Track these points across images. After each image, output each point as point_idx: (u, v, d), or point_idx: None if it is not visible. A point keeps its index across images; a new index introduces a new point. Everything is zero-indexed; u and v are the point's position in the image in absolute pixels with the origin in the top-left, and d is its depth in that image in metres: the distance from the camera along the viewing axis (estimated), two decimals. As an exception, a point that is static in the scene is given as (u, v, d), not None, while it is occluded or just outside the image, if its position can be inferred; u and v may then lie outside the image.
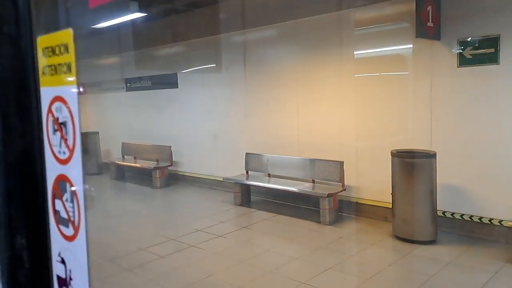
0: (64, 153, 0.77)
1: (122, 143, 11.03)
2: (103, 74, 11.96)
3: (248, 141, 8.24)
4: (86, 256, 0.63)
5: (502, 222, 5.26)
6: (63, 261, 0.73)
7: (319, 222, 6.38)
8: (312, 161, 7.07)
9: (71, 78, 0.72)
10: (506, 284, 4.36)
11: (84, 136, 11.66)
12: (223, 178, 8.05)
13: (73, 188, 0.69)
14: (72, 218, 0.71)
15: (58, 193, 0.75)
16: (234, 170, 8.13)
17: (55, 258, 0.75)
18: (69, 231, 0.72)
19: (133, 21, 7.96)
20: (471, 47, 5.41)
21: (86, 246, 0.64)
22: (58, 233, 0.73)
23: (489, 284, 4.25)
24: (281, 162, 7.61)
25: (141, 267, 5.02)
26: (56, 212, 0.76)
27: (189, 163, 9.61)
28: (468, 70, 5.47)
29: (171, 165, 9.59)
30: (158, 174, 9.40)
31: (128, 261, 5.22)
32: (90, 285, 0.62)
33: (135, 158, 10.65)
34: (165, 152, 9.68)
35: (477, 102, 5.47)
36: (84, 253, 0.64)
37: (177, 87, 9.70)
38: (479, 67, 5.38)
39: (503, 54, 5.15)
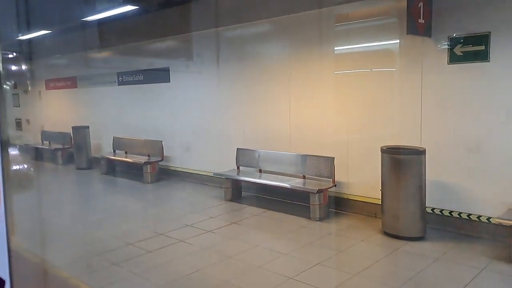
0: None
1: (113, 137, 10.94)
2: (94, 68, 11.87)
3: (239, 137, 8.21)
4: (6, 232, 0.59)
5: (490, 219, 5.28)
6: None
7: (309, 218, 6.38)
8: (303, 156, 7.05)
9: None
10: (492, 280, 4.37)
11: (74, 130, 11.56)
12: (214, 173, 8.01)
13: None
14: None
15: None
16: (226, 165, 8.10)
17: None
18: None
19: (123, 15, 7.89)
20: (461, 44, 5.40)
21: (6, 223, 0.59)
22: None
23: (476, 281, 4.26)
24: (272, 157, 7.59)
25: (129, 261, 4.98)
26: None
27: (180, 158, 9.56)
28: (458, 67, 5.47)
29: (162, 160, 9.54)
30: (149, 169, 9.34)
31: (116, 255, 5.19)
32: (10, 265, 0.57)
33: (126, 152, 10.57)
34: (156, 147, 9.62)
35: (467, 99, 5.47)
36: (4, 229, 0.60)
37: (169, 82, 9.63)
38: (470, 64, 5.38)
39: (493, 52, 5.15)
